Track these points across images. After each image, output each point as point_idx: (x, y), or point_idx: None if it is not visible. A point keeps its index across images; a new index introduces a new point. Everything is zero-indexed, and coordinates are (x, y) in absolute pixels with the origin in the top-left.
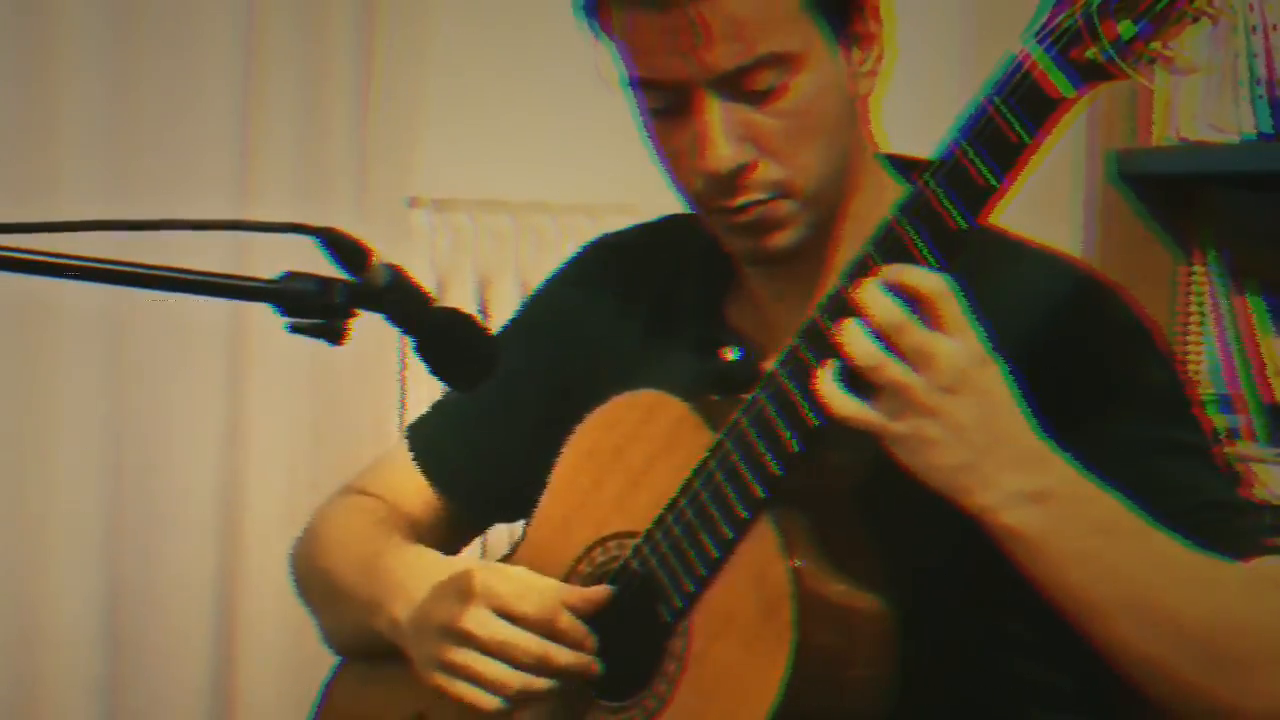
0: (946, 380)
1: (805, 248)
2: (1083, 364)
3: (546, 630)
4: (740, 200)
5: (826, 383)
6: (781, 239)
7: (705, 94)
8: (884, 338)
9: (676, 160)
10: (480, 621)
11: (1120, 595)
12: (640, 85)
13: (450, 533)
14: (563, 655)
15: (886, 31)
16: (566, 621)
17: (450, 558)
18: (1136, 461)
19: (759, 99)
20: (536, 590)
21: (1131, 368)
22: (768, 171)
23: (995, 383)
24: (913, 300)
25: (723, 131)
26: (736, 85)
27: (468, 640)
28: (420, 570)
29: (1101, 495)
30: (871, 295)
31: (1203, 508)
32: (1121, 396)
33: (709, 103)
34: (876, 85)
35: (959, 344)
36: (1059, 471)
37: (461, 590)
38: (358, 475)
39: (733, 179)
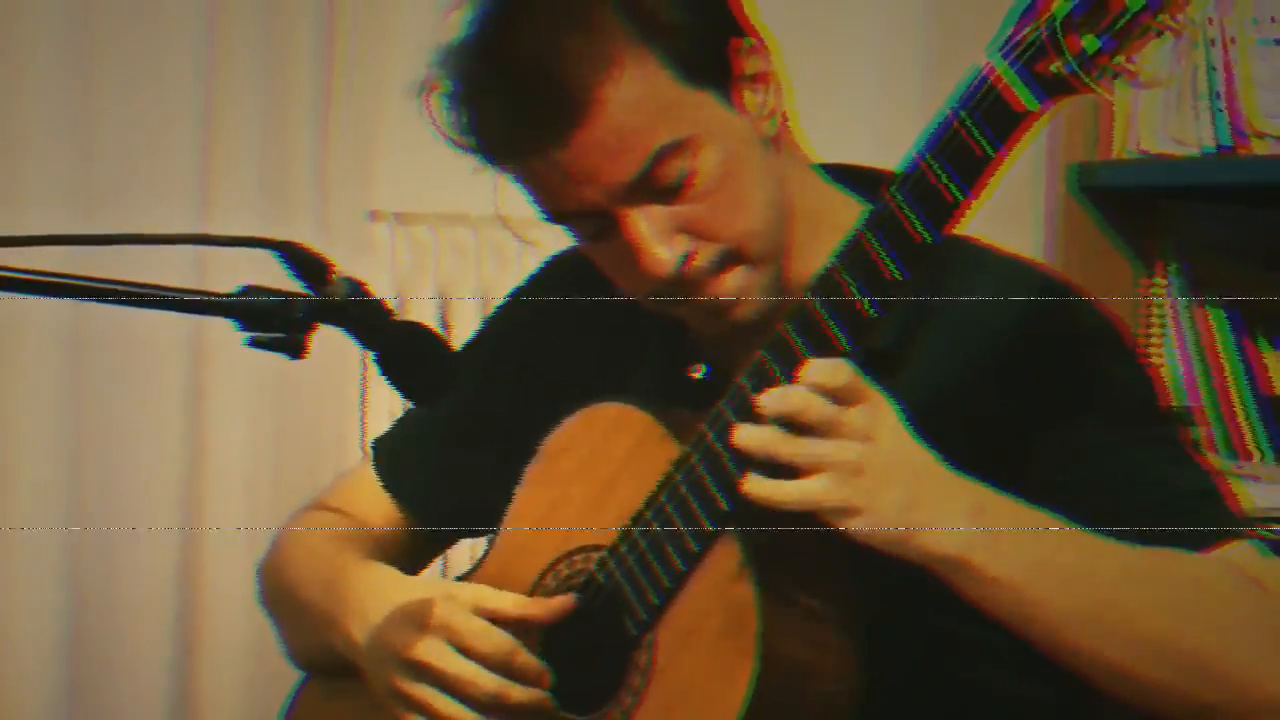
0: (859, 434)
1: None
2: (1048, 366)
3: (503, 667)
4: (693, 288)
5: (753, 482)
6: (746, 310)
7: (622, 210)
8: (792, 424)
9: (621, 274)
10: (437, 654)
11: (1076, 607)
12: (557, 220)
13: (414, 549)
14: (517, 693)
15: (773, 56)
16: (523, 658)
17: (410, 578)
18: (1105, 459)
19: (673, 193)
20: (499, 615)
21: (1096, 367)
22: (708, 251)
23: (895, 419)
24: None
25: (652, 237)
26: (646, 190)
27: (424, 674)
28: (380, 590)
29: (1028, 508)
30: (766, 399)
31: (1174, 499)
32: (1087, 396)
33: (629, 217)
34: (780, 114)
35: (862, 401)
36: (980, 489)
37: (419, 620)
38: (323, 491)
39: (678, 276)
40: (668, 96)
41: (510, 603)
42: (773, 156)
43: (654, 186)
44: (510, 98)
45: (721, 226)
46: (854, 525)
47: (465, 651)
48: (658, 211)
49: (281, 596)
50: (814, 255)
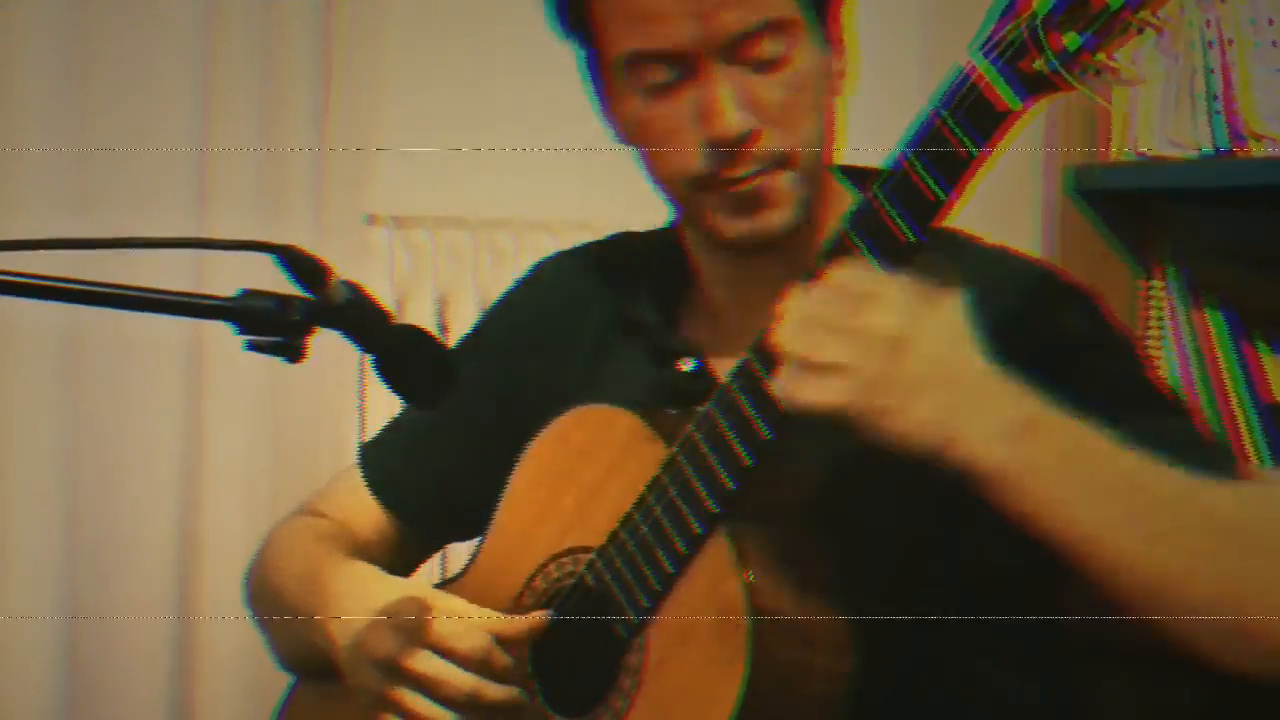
0: (886, 341)
1: (784, 248)
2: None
3: (480, 666)
4: (742, 170)
5: (779, 382)
6: (776, 217)
7: (711, 62)
8: (816, 329)
9: (672, 138)
10: (413, 655)
11: (1120, 514)
12: (638, 60)
13: (403, 553)
14: (492, 691)
15: (849, 50)
16: (498, 657)
17: (390, 577)
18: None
19: (762, 68)
20: (472, 624)
21: (1082, 340)
22: (770, 140)
23: (941, 327)
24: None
25: (731, 98)
26: (741, 53)
27: (402, 677)
28: (358, 588)
29: (1074, 420)
30: (792, 299)
31: (1176, 448)
32: (1078, 369)
33: (715, 70)
34: (842, 90)
35: (889, 305)
36: (1031, 400)
37: (397, 624)
38: (311, 497)
39: (738, 146)
40: None
41: (485, 616)
42: (829, 110)
43: (748, 53)
44: None
45: (791, 120)
46: (886, 430)
47: (441, 653)
48: (741, 77)
49: (266, 599)
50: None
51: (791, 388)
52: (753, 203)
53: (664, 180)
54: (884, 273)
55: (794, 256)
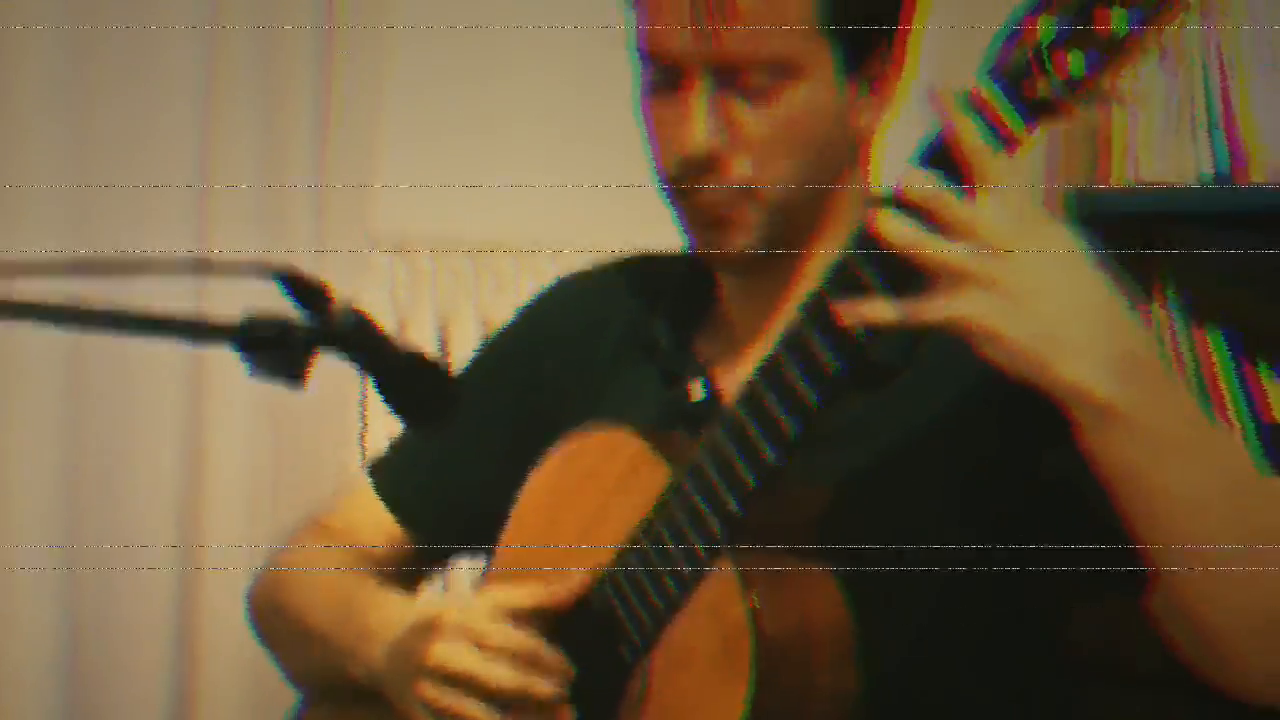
0: (995, 245)
1: (772, 270)
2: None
3: (525, 662)
4: (700, 187)
5: (873, 304)
6: (737, 239)
7: (699, 76)
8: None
9: (660, 137)
10: (458, 656)
11: (1217, 485)
12: (643, 57)
13: (413, 564)
14: (541, 687)
15: (903, 78)
16: (545, 652)
17: (424, 603)
18: None
19: (750, 96)
20: (516, 609)
21: None
22: (739, 168)
23: (1054, 241)
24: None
25: (705, 115)
26: (731, 76)
27: (447, 677)
28: (397, 616)
29: (1177, 380)
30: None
31: None
32: None
33: (700, 84)
34: (879, 126)
35: (999, 209)
36: (1143, 335)
37: (438, 628)
38: (319, 511)
39: (703, 165)
40: (806, 21)
41: (524, 594)
42: (847, 150)
43: (738, 80)
44: None
45: (767, 155)
46: (988, 350)
47: (486, 650)
48: (726, 100)
49: (282, 620)
50: None
51: (887, 308)
52: (713, 223)
53: (660, 178)
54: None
55: (804, 276)
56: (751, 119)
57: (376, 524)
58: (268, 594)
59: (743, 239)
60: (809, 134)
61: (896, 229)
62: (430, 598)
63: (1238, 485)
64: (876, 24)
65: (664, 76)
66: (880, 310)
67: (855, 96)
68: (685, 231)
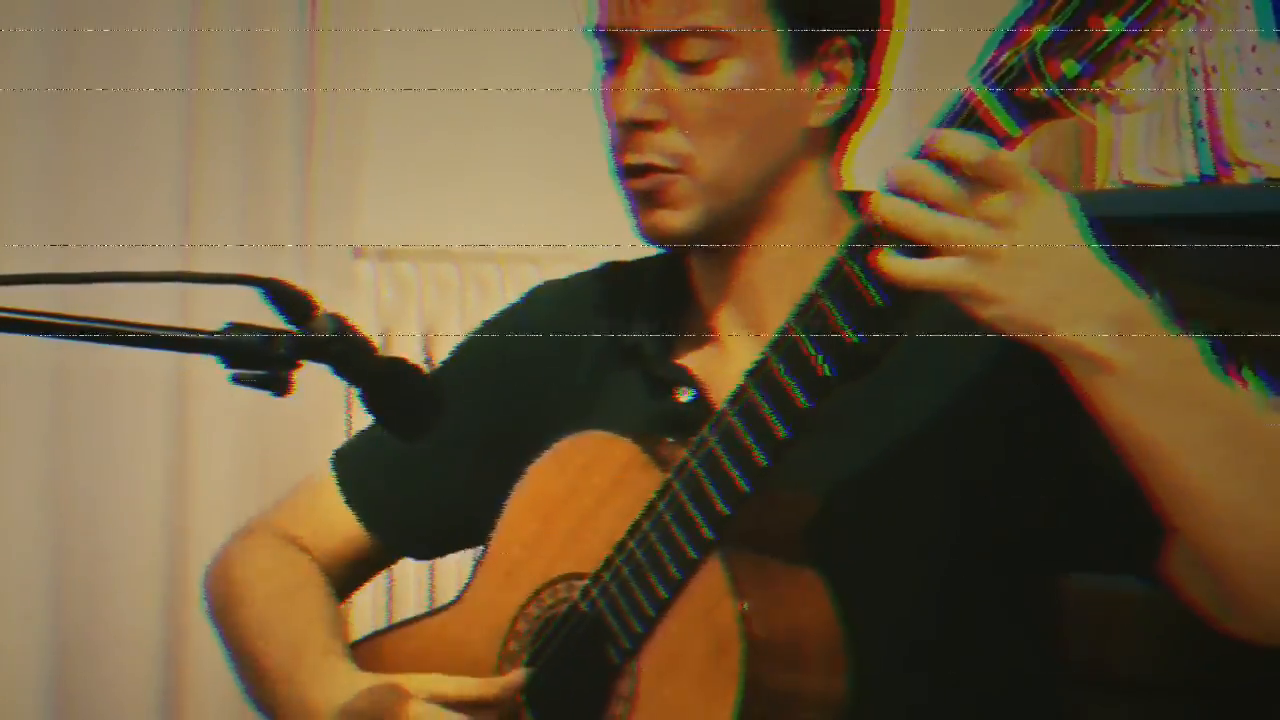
0: (996, 217)
1: (726, 256)
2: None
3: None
4: (636, 159)
5: (888, 257)
6: (673, 220)
7: (638, 47)
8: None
9: (608, 115)
10: (420, 714)
11: (1214, 426)
12: (594, 37)
13: (373, 566)
14: None
15: (881, 83)
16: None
17: (367, 675)
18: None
19: (686, 68)
20: (448, 700)
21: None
22: (671, 139)
23: (1053, 213)
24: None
25: (638, 82)
26: (667, 47)
27: None
28: (339, 700)
29: (1178, 335)
30: (907, 169)
31: None
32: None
33: (639, 56)
34: (834, 120)
35: (1002, 183)
36: (1135, 297)
37: (393, 689)
38: (280, 507)
39: (634, 132)
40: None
41: (454, 688)
42: (796, 139)
43: (674, 50)
44: None
45: (700, 127)
46: (989, 313)
47: (445, 702)
48: (660, 69)
49: (232, 634)
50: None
51: (901, 264)
52: (649, 200)
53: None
54: (979, 144)
55: (783, 271)
56: (686, 90)
57: (341, 526)
58: (222, 595)
59: (676, 220)
60: (746, 112)
61: (894, 208)
62: (366, 678)
63: (1238, 426)
64: (829, 16)
65: (611, 53)
66: (895, 265)
67: (808, 88)
68: (631, 213)
